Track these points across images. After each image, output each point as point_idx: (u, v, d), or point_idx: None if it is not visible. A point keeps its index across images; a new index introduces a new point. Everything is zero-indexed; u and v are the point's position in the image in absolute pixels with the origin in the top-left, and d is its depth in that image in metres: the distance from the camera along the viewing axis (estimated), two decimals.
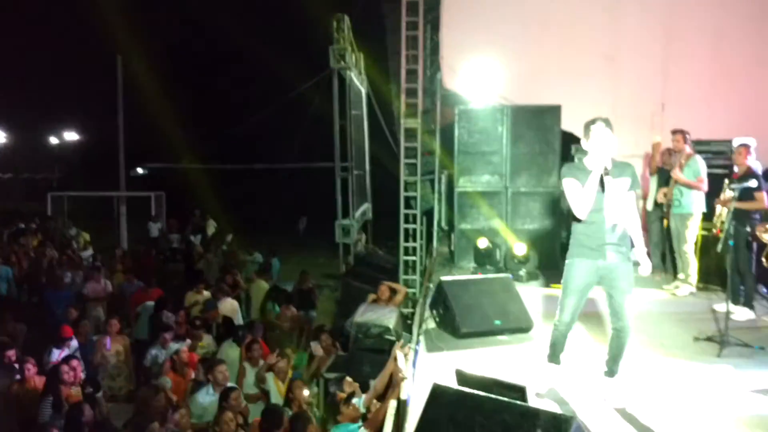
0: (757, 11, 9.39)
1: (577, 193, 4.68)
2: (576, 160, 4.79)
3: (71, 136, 34.38)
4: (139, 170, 21.06)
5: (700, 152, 8.08)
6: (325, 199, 14.38)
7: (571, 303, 4.87)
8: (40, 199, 20.27)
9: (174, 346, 7.84)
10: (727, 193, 7.18)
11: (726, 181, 7.54)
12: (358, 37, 13.46)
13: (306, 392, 6.33)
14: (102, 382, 7.52)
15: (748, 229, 6.79)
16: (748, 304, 6.97)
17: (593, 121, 4.65)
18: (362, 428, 5.07)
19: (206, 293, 9.89)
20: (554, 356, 5.06)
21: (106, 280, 11.01)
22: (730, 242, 6.33)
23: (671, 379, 5.36)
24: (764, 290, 7.74)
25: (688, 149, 7.99)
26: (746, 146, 7.34)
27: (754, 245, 7.02)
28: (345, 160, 13.81)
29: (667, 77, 9.91)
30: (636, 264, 4.89)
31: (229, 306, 9.65)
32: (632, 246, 4.77)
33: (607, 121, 4.64)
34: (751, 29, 9.37)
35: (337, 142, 13.44)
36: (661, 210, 8.57)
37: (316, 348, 7.82)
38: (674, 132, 8.14)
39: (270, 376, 6.93)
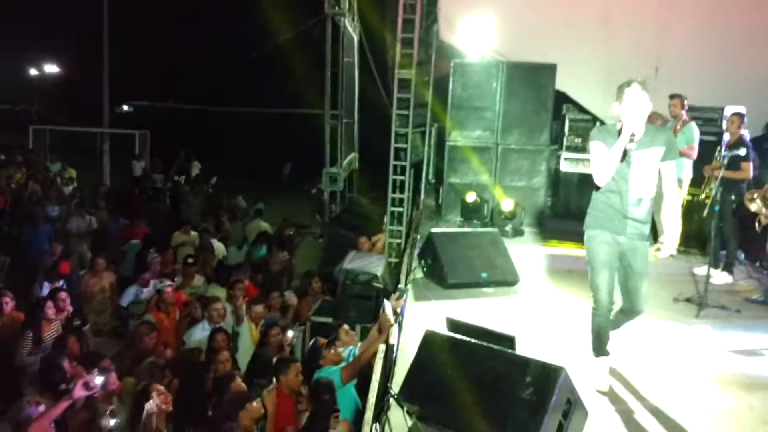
0: None
1: (600, 158, 4.29)
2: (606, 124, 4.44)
3: (52, 68, 33.54)
4: (124, 107, 20.69)
5: (695, 118, 8.15)
6: (312, 146, 14.32)
7: (604, 280, 4.39)
8: (21, 131, 19.88)
9: (159, 285, 7.87)
10: (718, 161, 7.31)
11: (718, 149, 7.67)
12: None
13: (290, 334, 6.41)
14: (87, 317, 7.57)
15: (733, 197, 6.92)
16: (728, 269, 7.16)
17: (628, 83, 4.21)
18: (342, 369, 5.16)
19: (193, 233, 9.90)
20: (601, 347, 4.58)
21: (91, 217, 10.96)
22: (716, 208, 6.46)
23: (651, 338, 5.53)
24: (743, 256, 7.94)
25: (684, 115, 8.06)
26: (740, 115, 7.43)
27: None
28: (335, 108, 13.71)
29: (662, 41, 9.87)
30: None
31: (215, 248, 9.69)
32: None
33: (643, 84, 4.22)
34: None
35: (328, 90, 13.31)
36: None
37: (290, 297, 7.86)
38: (672, 96, 8.18)
39: (246, 319, 6.97)
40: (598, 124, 7.96)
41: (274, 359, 5.51)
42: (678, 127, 7.97)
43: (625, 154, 4.24)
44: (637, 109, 4.19)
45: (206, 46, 18.32)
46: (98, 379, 4.14)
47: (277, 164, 17.82)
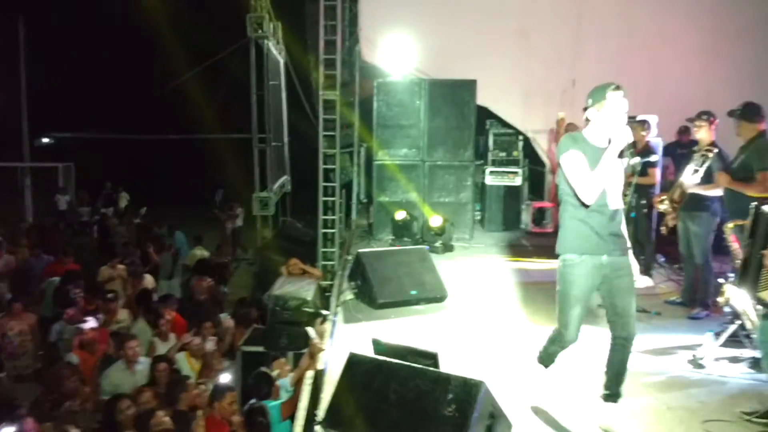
0: None
1: (583, 173, 3.78)
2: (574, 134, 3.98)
3: None
4: (45, 139, 20.01)
5: None
6: (243, 171, 14.16)
7: (575, 316, 3.99)
8: None
9: (81, 322, 7.60)
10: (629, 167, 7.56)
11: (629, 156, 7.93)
12: (276, 6, 13.21)
13: (224, 378, 6.28)
14: (5, 363, 7.23)
15: (644, 202, 7.18)
16: (647, 272, 7.39)
17: (609, 86, 3.83)
18: (282, 405, 5.10)
19: (120, 267, 9.60)
20: (547, 360, 4.38)
21: (10, 255, 10.50)
22: (632, 214, 6.67)
23: (576, 347, 5.63)
24: (662, 259, 8.22)
25: None
26: (642, 123, 7.71)
27: (655, 216, 7.44)
28: (263, 132, 13.61)
29: (578, 54, 10.24)
30: None
31: (145, 281, 9.42)
32: None
33: (623, 89, 3.86)
34: (658, 8, 9.76)
35: (254, 113, 13.22)
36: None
37: (226, 320, 7.74)
38: (586, 109, 8.45)
39: (182, 355, 6.81)
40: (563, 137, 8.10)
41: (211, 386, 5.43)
42: None
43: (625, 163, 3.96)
44: (619, 115, 3.83)
45: (129, 73, 17.93)
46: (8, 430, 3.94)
47: (209, 191, 17.53)
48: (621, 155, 3.84)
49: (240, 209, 14.99)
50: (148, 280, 9.60)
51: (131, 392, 5.51)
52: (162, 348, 7.03)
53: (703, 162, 6.02)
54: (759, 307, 4.54)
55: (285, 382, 5.76)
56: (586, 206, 3.83)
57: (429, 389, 3.67)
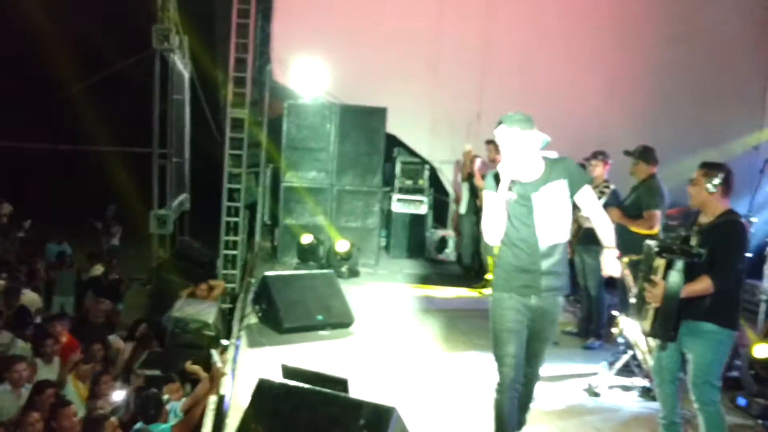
0: (566, 31, 10.30)
1: (486, 212, 3.78)
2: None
3: None
4: None
5: None
6: (138, 187, 13.59)
7: (510, 353, 3.75)
8: None
9: None
10: None
11: None
12: (185, 18, 12.88)
13: (116, 396, 5.96)
14: None
15: None
16: None
17: (498, 123, 3.73)
18: (173, 428, 4.87)
19: (1, 283, 8.93)
20: (506, 424, 3.81)
21: None
22: None
23: (475, 372, 5.75)
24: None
25: (499, 158, 8.61)
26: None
27: None
28: (164, 147, 13.13)
29: (484, 89, 10.56)
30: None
31: (28, 298, 8.78)
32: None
33: (514, 120, 3.68)
34: (558, 49, 10.28)
35: (156, 127, 12.74)
36: (474, 214, 9.17)
37: (116, 341, 7.36)
38: (488, 142, 8.75)
39: (69, 378, 6.40)
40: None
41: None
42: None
43: (515, 200, 3.73)
44: (509, 149, 3.68)
45: (22, 78, 16.91)
46: None
47: (100, 206, 16.71)
48: (509, 190, 3.66)
49: (118, 228, 14.41)
50: (30, 298, 8.96)
51: (16, 416, 5.11)
52: (45, 371, 6.55)
53: (599, 198, 6.37)
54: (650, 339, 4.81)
55: (176, 406, 5.51)
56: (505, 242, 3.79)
57: (340, 415, 3.62)
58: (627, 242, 5.44)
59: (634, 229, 5.90)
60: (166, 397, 5.72)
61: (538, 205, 3.71)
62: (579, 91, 10.15)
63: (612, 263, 3.92)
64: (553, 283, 3.80)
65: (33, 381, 6.19)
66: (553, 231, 3.74)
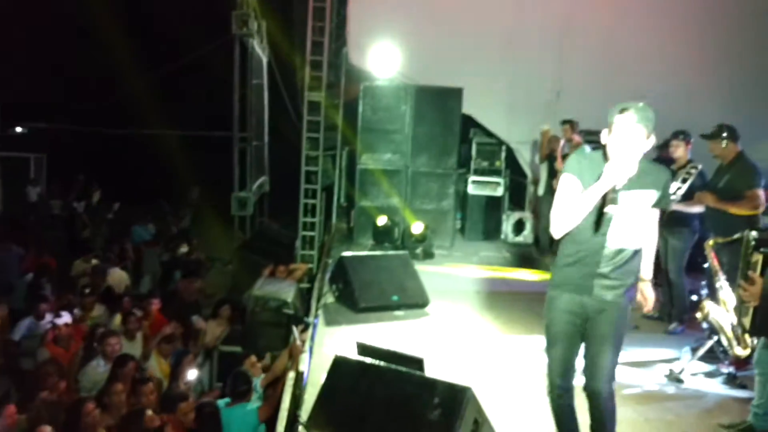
0: (651, 5, 9.89)
1: (563, 200, 3.35)
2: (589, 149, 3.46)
3: None
4: (17, 129, 19.59)
5: (591, 142, 8.51)
6: (220, 170, 14.00)
7: (557, 356, 3.52)
8: None
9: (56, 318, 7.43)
10: None
11: None
12: (262, 3, 13.13)
13: (191, 375, 6.19)
14: None
15: None
16: None
17: (623, 109, 3.24)
18: (259, 409, 5.03)
19: (95, 262, 9.45)
20: (561, 418, 3.66)
21: None
22: None
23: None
24: None
25: (576, 138, 8.44)
26: None
27: None
28: (244, 131, 13.49)
29: (563, 67, 10.30)
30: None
31: (117, 276, 9.26)
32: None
33: (643, 117, 3.22)
34: (643, 25, 9.88)
35: (236, 111, 13.09)
36: (553, 196, 8.99)
37: (198, 321, 7.62)
38: (563, 122, 8.57)
39: (153, 355, 6.69)
40: (581, 150, 7.94)
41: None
42: (571, 152, 8.36)
43: (604, 200, 3.27)
44: (628, 143, 3.22)
45: (106, 65, 17.63)
46: None
47: (183, 189, 17.33)
48: (614, 194, 3.21)
49: (189, 210, 14.86)
50: (119, 276, 9.42)
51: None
52: (127, 347, 6.86)
53: (686, 179, 6.12)
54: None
55: (256, 382, 5.68)
56: (571, 236, 3.39)
57: (415, 393, 3.67)
58: (727, 226, 5.23)
59: (735, 211, 5.56)
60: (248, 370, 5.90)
61: (619, 207, 3.29)
62: (665, 68, 9.73)
63: (651, 294, 3.73)
64: (609, 288, 3.41)
65: None
66: (625, 236, 3.37)
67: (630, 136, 3.22)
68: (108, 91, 17.49)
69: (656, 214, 3.51)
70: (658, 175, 3.40)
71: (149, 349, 6.82)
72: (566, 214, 3.33)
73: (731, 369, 5.12)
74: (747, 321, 3.95)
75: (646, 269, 3.67)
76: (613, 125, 3.25)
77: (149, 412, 4.78)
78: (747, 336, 4.57)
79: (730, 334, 5.01)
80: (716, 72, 9.62)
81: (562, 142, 8.79)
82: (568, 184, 3.36)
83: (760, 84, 9.38)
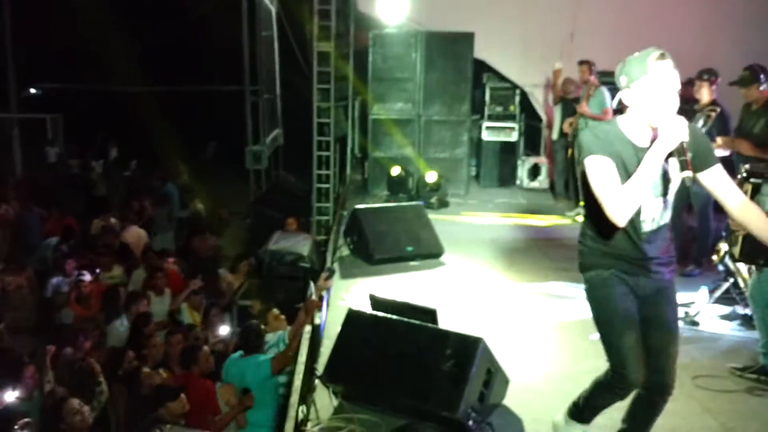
0: None
1: (612, 185, 2.74)
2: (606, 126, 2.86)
3: None
4: (32, 90, 19.65)
5: (606, 83, 8.33)
6: (234, 124, 13.98)
7: (630, 344, 2.91)
8: None
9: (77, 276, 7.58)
10: None
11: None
12: None
13: (223, 331, 6.33)
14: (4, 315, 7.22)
15: None
16: None
17: (649, 54, 2.71)
18: (273, 360, 5.09)
19: (113, 221, 9.56)
20: (588, 415, 3.26)
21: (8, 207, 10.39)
22: None
23: (573, 299, 5.69)
24: None
25: (594, 80, 8.25)
26: None
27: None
28: (255, 84, 13.41)
29: (577, 6, 10.02)
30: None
31: (135, 234, 9.36)
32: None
33: (671, 56, 2.73)
34: None
35: (246, 65, 12.99)
36: (566, 140, 8.88)
37: (225, 275, 7.75)
38: (581, 63, 8.37)
39: (184, 307, 6.85)
40: (586, 123, 7.78)
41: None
42: (590, 93, 8.18)
43: (665, 178, 2.80)
44: (666, 95, 2.70)
45: (113, 22, 17.53)
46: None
47: (198, 144, 17.36)
48: (671, 156, 2.70)
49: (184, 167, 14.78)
50: (137, 234, 9.52)
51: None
52: (157, 302, 7.03)
53: (706, 122, 5.97)
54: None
55: (283, 335, 5.74)
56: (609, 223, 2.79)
57: (428, 345, 3.71)
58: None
59: None
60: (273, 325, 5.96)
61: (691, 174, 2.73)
62: (682, 7, 9.44)
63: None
64: (660, 270, 2.97)
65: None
66: (659, 208, 2.89)
67: (673, 85, 2.71)
68: (118, 50, 17.42)
69: (718, 173, 2.85)
70: (692, 134, 2.77)
71: (178, 303, 6.95)
72: (626, 202, 2.71)
73: (747, 311, 5.09)
74: (737, 250, 3.95)
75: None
76: (646, 78, 2.69)
77: (146, 370, 4.93)
78: None
79: (746, 275, 4.98)
80: (736, 10, 9.29)
81: (577, 87, 8.61)
82: (602, 167, 2.77)
83: None
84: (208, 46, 16.86)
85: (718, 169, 2.86)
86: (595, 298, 3.05)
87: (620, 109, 2.90)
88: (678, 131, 2.65)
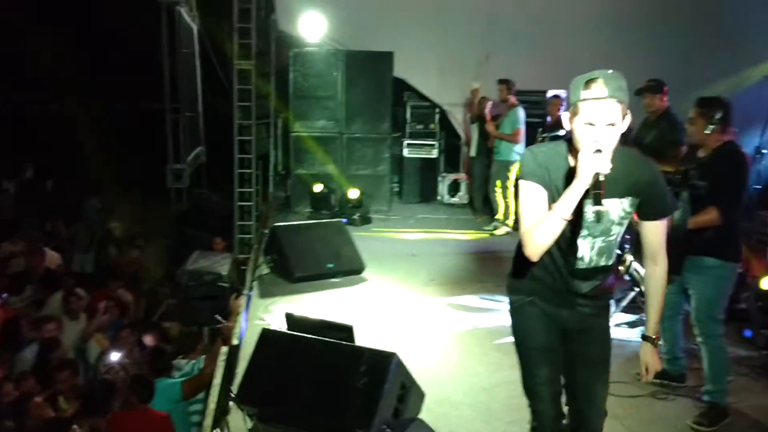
0: None
1: (530, 216, 2.58)
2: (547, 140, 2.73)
3: None
4: None
5: (522, 102, 8.61)
6: (156, 143, 13.69)
7: (545, 377, 2.78)
8: None
9: None
10: (540, 142, 7.89)
11: (540, 130, 8.23)
12: None
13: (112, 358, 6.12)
14: None
15: None
16: None
17: (590, 81, 2.48)
18: (184, 383, 4.96)
19: (22, 243, 9.16)
20: None
21: None
22: None
23: (489, 312, 5.84)
24: None
25: (512, 99, 8.52)
26: (559, 98, 8.02)
27: None
28: (175, 101, 13.16)
29: (493, 29, 10.32)
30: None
31: (48, 257, 9.01)
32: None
33: (613, 81, 2.47)
34: None
35: (167, 82, 12.75)
36: (485, 156, 9.13)
37: (124, 294, 7.50)
38: (500, 81, 8.62)
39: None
40: (500, 142, 8.17)
41: None
42: (505, 111, 8.47)
43: (579, 208, 2.54)
44: (601, 126, 2.46)
45: (33, 41, 16.93)
46: None
47: (118, 162, 16.90)
48: (597, 191, 2.42)
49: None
50: (50, 257, 9.18)
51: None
52: (71, 327, 6.76)
53: None
54: None
55: (198, 363, 5.60)
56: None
57: (342, 362, 3.72)
58: None
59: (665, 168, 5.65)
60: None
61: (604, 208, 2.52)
62: (588, 27, 9.90)
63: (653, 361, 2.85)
64: (590, 307, 2.79)
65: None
66: (602, 249, 2.70)
67: (602, 112, 2.45)
68: (34, 65, 16.81)
69: (656, 230, 2.68)
70: (643, 172, 2.62)
71: (90, 328, 6.71)
72: (540, 233, 2.53)
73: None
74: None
75: (653, 322, 2.83)
76: (579, 105, 2.48)
77: (36, 400, 4.75)
78: None
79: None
80: (634, 29, 9.80)
81: (490, 103, 8.89)
82: (529, 194, 2.61)
83: (678, 37, 9.62)
84: (127, 62, 16.46)
85: (654, 227, 2.68)
86: (514, 324, 2.93)
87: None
88: (594, 164, 2.39)
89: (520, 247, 2.69)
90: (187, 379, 4.85)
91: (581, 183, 2.42)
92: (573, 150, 2.58)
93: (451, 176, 10.56)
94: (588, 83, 2.47)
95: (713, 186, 3.92)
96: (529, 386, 2.84)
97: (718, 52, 9.38)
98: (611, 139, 2.45)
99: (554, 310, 2.79)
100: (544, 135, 7.29)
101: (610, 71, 2.50)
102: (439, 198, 10.54)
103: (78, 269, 8.89)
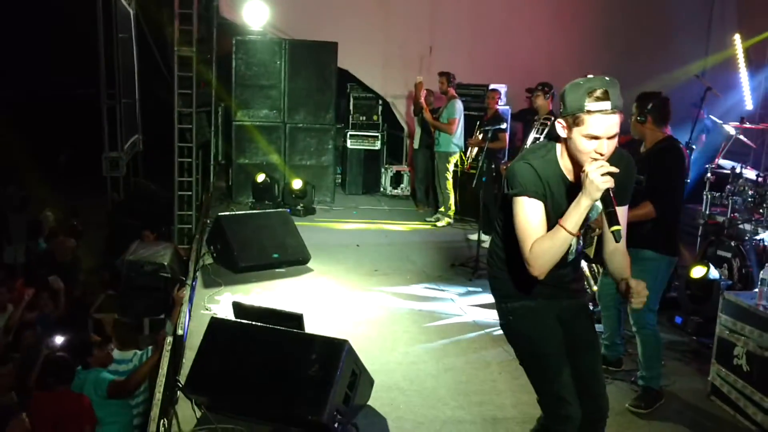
0: None
1: (535, 235, 2.52)
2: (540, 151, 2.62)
3: None
4: None
5: (461, 95, 8.77)
6: (90, 130, 13.25)
7: (566, 379, 2.73)
8: None
9: None
10: (479, 135, 8.16)
11: (478, 123, 8.46)
12: None
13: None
14: None
15: (493, 166, 7.64)
16: (490, 233, 7.87)
17: (593, 91, 2.37)
18: (111, 384, 4.82)
19: None
20: None
21: None
22: (483, 179, 7.07)
23: (433, 301, 5.94)
24: None
25: (451, 91, 8.66)
26: (496, 91, 8.29)
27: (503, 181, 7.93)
28: (111, 88, 12.77)
29: (435, 22, 10.46)
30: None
31: None
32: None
33: (613, 88, 2.38)
34: None
35: (102, 68, 12.35)
36: (426, 148, 9.25)
37: (55, 281, 7.26)
38: (440, 74, 8.75)
39: None
40: (439, 134, 8.43)
41: None
42: (444, 103, 8.68)
43: (585, 226, 2.61)
44: (608, 138, 2.41)
45: None
46: None
47: (51, 152, 16.28)
48: (609, 208, 2.37)
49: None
50: None
51: None
52: None
53: (543, 129, 6.52)
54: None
55: (145, 353, 5.43)
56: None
57: (293, 350, 3.74)
58: None
59: None
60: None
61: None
62: (527, 23, 10.16)
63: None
64: (576, 290, 2.93)
65: None
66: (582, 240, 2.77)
67: (609, 130, 2.39)
68: None
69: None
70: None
71: (14, 320, 6.48)
72: (551, 253, 2.50)
73: (590, 306, 5.54)
74: (591, 251, 4.28)
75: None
76: (584, 117, 2.39)
77: None
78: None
79: (588, 273, 5.44)
80: (573, 26, 10.13)
81: (424, 92, 9.03)
82: (531, 211, 2.54)
83: (615, 36, 9.98)
84: (61, 47, 15.87)
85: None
86: (522, 331, 2.85)
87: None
88: (602, 181, 2.33)
89: (512, 257, 2.69)
90: (116, 381, 4.71)
91: (590, 200, 2.39)
92: (563, 155, 2.57)
93: (394, 168, 10.64)
94: (592, 93, 2.38)
95: (650, 180, 4.08)
96: (552, 393, 2.75)
97: (654, 52, 9.79)
98: (611, 150, 2.43)
99: (557, 303, 2.81)
100: (487, 128, 7.43)
101: (608, 78, 2.42)
102: (382, 189, 10.61)
103: (10, 260, 8.54)
